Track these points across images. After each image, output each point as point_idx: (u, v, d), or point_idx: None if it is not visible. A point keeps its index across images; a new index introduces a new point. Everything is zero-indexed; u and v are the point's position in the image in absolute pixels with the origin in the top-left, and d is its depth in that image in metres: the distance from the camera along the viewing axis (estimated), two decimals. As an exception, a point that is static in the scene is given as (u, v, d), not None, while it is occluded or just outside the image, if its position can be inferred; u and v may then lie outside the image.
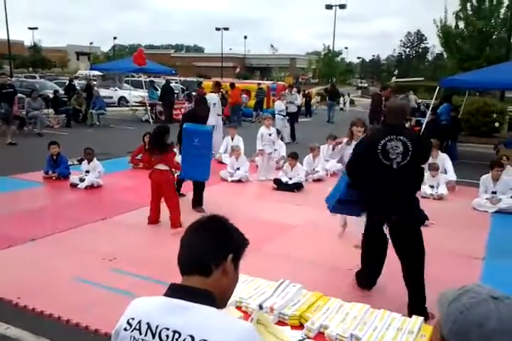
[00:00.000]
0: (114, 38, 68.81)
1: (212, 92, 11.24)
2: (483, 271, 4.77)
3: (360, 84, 60.58)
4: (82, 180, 7.60)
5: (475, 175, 8.26)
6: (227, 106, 18.45)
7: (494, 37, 21.38)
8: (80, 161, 8.48)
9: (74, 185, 7.57)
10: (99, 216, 6.06)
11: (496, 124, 14.37)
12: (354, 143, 4.85)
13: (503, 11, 21.02)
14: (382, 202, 3.70)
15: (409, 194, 3.68)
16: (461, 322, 1.04)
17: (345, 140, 5.39)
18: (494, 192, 7.26)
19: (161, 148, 5.71)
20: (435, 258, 4.71)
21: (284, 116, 13.67)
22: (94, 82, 23.80)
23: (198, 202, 6.58)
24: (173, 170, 5.87)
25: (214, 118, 10.76)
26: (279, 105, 13.87)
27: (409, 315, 3.17)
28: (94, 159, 7.90)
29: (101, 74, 24.24)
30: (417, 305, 3.50)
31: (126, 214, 6.25)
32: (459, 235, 5.84)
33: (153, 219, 5.86)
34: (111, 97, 23.22)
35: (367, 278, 4.07)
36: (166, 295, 1.34)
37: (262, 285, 2.74)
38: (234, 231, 1.43)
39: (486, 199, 7.18)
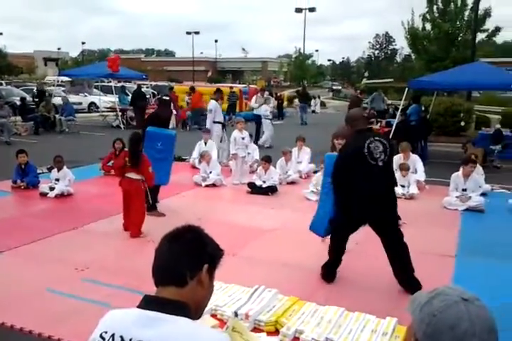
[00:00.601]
0: (83, 43, 68.01)
1: (212, 99, 10.93)
2: (455, 269, 4.85)
3: (333, 87, 61.07)
4: (51, 188, 7.43)
5: (445, 173, 8.43)
6: (184, 110, 18.51)
7: (460, 38, 21.90)
8: (50, 169, 8.30)
9: (43, 194, 7.39)
10: (70, 225, 5.93)
11: (462, 123, 14.69)
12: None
13: (467, 13, 21.56)
14: (373, 200, 3.96)
15: (393, 189, 4.06)
16: (435, 325, 1.05)
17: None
18: (464, 190, 7.40)
19: (135, 156, 5.58)
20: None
21: (270, 119, 13.71)
22: (63, 88, 23.43)
23: (153, 206, 6.45)
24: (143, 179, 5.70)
25: (209, 125, 10.52)
26: (266, 109, 13.93)
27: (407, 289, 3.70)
28: (64, 167, 7.73)
29: (69, 79, 23.84)
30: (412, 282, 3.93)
31: (97, 223, 6.14)
32: (430, 234, 5.93)
33: (128, 226, 5.76)
34: (80, 103, 22.85)
35: (334, 270, 4.33)
36: (139, 307, 1.32)
37: (237, 292, 2.72)
38: (209, 241, 1.42)
39: (456, 197, 7.33)
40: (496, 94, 27.46)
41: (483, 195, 7.62)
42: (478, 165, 8.24)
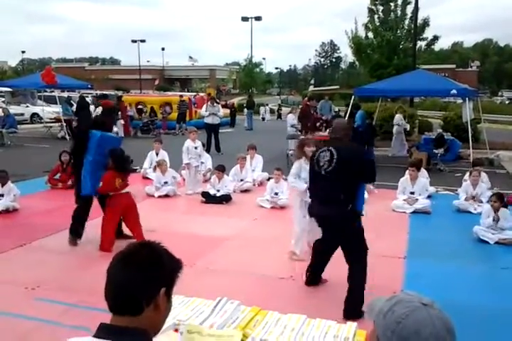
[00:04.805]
0: (23, 52, 65.66)
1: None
2: (406, 270, 5.02)
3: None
4: (-5, 204, 7.09)
5: (392, 177, 8.73)
6: None
7: (401, 47, 22.81)
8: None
9: (-13, 211, 7.04)
10: (17, 242, 5.68)
11: (407, 128, 15.25)
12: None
13: (407, 22, 22.51)
14: (314, 204, 4.26)
15: (337, 196, 3.98)
16: (400, 332, 1.09)
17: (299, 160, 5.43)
18: (412, 193, 7.70)
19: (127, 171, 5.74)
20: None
21: (296, 128, 13.50)
22: (3, 99, 22.49)
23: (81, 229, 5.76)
24: None
25: None
26: (292, 118, 13.76)
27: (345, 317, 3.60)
28: (9, 182, 7.40)
29: (10, 90, 22.89)
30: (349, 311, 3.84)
31: (46, 239, 5.91)
32: (380, 236, 6.07)
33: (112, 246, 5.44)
34: (22, 114, 22.04)
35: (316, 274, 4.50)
36: (95, 336, 1.27)
37: (199, 305, 2.70)
38: (166, 259, 1.34)
39: (404, 200, 7.60)
40: (438, 100, 28.68)
41: (428, 197, 7.93)
42: (423, 168, 8.58)
